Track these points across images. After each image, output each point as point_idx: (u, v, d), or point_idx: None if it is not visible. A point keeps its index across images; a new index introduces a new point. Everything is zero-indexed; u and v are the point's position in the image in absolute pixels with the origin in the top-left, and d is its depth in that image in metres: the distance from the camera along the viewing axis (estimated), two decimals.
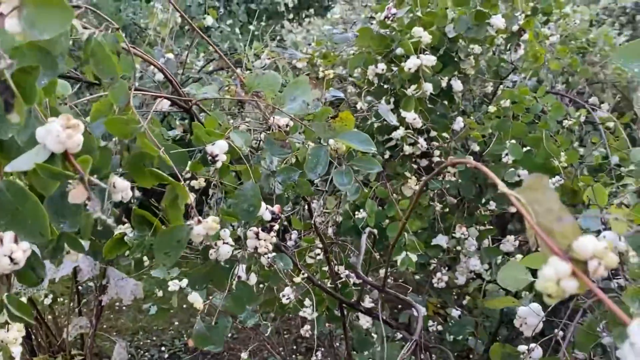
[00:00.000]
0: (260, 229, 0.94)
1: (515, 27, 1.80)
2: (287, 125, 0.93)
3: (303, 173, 0.94)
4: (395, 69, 1.87)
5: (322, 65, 2.27)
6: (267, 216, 0.88)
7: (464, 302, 2.06)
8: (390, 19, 1.73)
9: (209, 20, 2.68)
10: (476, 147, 2.07)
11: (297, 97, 0.94)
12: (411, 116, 1.75)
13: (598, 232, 0.78)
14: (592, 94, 2.27)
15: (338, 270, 1.65)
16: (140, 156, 0.76)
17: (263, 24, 5.28)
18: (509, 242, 1.90)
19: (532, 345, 0.90)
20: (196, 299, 0.97)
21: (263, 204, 0.87)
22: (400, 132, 1.78)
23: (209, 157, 0.87)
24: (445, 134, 1.90)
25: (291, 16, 4.92)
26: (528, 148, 1.72)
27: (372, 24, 2.56)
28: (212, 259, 0.91)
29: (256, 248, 0.94)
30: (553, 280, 0.41)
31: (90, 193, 0.53)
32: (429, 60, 1.71)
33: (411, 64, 1.69)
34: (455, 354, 2.13)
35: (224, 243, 0.91)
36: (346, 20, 3.86)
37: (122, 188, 0.71)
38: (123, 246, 0.92)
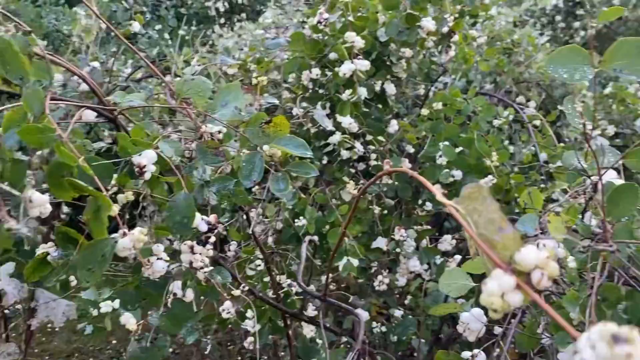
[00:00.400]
0: (195, 242, 0.89)
1: (445, 29, 1.84)
2: (219, 133, 0.89)
3: (239, 182, 0.91)
4: (329, 74, 1.86)
5: (256, 71, 2.23)
6: (203, 227, 0.83)
7: (406, 301, 2.08)
8: (323, 23, 1.73)
9: (136, 26, 2.57)
10: (411, 149, 2.10)
11: (229, 103, 0.90)
12: (347, 121, 1.74)
13: (535, 237, 0.80)
14: (519, 93, 2.37)
15: (280, 280, 1.62)
16: (57, 167, 0.70)
17: (194, 28, 5.16)
18: (447, 242, 1.93)
19: (476, 350, 0.90)
20: (128, 319, 0.91)
21: (198, 215, 0.83)
22: (337, 137, 1.77)
23: (136, 169, 0.82)
24: (381, 138, 1.91)
25: (222, 21, 4.83)
26: (461, 149, 1.76)
27: (304, 28, 2.56)
28: (146, 276, 0.86)
29: (191, 262, 0.89)
30: (497, 295, 0.40)
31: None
32: (363, 64, 1.71)
33: (345, 69, 1.69)
34: (399, 354, 2.15)
35: (157, 259, 0.86)
36: (278, 25, 3.84)
37: (39, 202, 0.65)
38: (46, 267, 0.85)
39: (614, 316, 0.74)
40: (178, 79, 0.95)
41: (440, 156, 1.73)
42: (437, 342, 1.90)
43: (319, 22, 1.73)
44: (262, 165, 0.86)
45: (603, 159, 0.82)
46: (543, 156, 1.88)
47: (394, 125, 1.98)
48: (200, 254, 0.89)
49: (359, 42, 1.73)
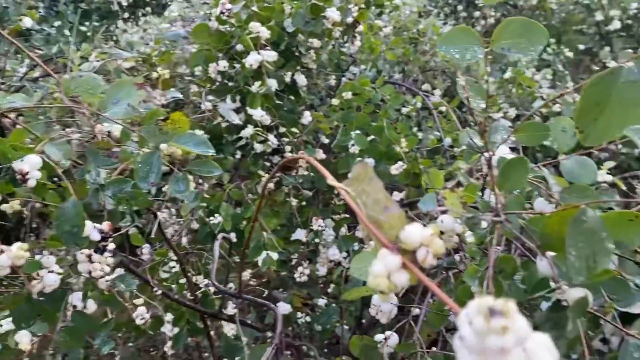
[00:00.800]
0: (93, 250, 0.84)
1: (349, 20, 1.85)
2: (109, 133, 0.83)
3: (136, 183, 0.86)
4: (237, 66, 1.83)
5: (159, 64, 2.15)
6: (95, 236, 0.78)
7: (329, 290, 2.10)
8: (226, 14, 1.68)
9: (27, 22, 2.39)
10: (325, 140, 2.11)
11: (121, 100, 0.85)
12: (258, 113, 1.72)
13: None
14: (425, 81, 2.44)
15: (196, 280, 1.57)
16: None
17: (96, 24, 4.89)
18: None
19: (388, 332, 0.92)
20: (22, 338, 0.84)
21: (89, 223, 0.77)
22: (249, 131, 1.74)
23: (18, 176, 0.75)
24: (294, 129, 1.90)
25: (126, 15, 4.61)
26: (372, 137, 1.78)
27: (210, 20, 2.50)
28: (37, 290, 0.79)
29: (90, 272, 0.84)
30: (383, 276, 0.39)
31: None
32: (270, 55, 1.69)
33: (252, 60, 1.66)
34: (325, 342, 2.17)
35: (48, 272, 0.80)
36: (185, 18, 3.73)
37: None
38: None
39: (511, 287, 0.77)
40: (66, 76, 0.88)
41: (353, 145, 1.75)
42: (359, 327, 1.93)
43: (221, 12, 1.68)
44: (160, 165, 0.82)
45: (496, 136, 0.85)
46: (447, 140, 1.95)
47: (307, 117, 1.98)
48: (99, 262, 0.83)
49: (264, 33, 1.70)
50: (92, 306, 0.89)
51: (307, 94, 2.07)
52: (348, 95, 1.76)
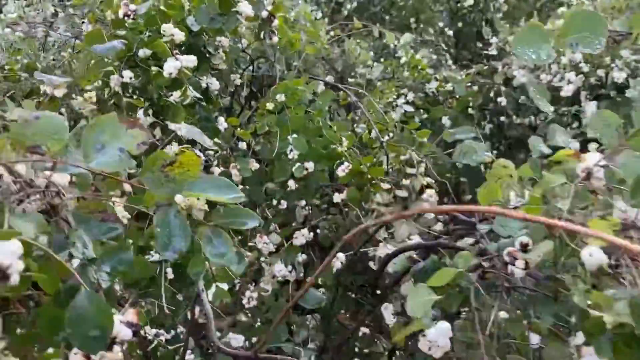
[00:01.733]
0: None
1: (264, 14, 1.69)
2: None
3: (141, 250, 0.65)
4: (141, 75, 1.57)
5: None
6: (127, 333, 0.57)
7: None
8: (131, 16, 1.42)
9: None
10: (244, 146, 1.93)
11: (107, 144, 0.63)
12: (184, 128, 1.49)
13: None
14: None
15: (145, 332, 1.33)
16: None
17: None
18: (301, 236, 1.85)
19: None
20: None
21: (115, 319, 0.56)
22: (174, 149, 1.51)
23: None
24: (217, 139, 1.70)
25: None
26: (306, 139, 1.66)
27: (82, 23, 2.14)
28: None
29: None
30: None
31: None
32: (190, 60, 1.47)
33: (171, 67, 1.43)
34: None
35: None
36: (30, 20, 3.20)
37: None
38: None
39: None
40: (15, 121, 0.62)
41: (292, 150, 1.61)
42: None
43: (125, 15, 1.41)
44: (185, 225, 0.63)
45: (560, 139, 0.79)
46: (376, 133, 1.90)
47: (222, 123, 1.78)
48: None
49: (178, 35, 1.48)
50: None
51: (218, 97, 1.86)
52: (281, 97, 1.61)
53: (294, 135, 1.60)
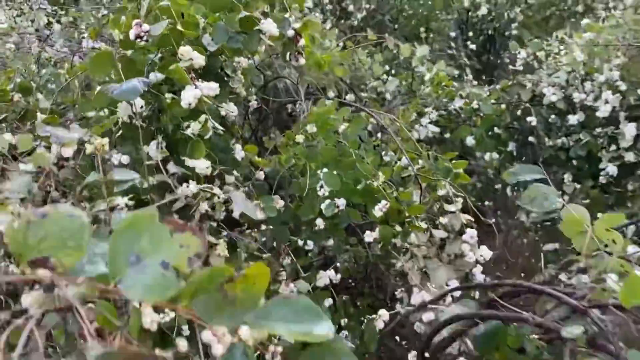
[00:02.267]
0: None
1: (290, 33, 1.50)
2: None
3: None
4: (152, 102, 1.38)
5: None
6: None
7: None
8: (144, 38, 1.23)
9: None
10: (261, 175, 1.74)
11: (145, 256, 0.45)
12: (203, 165, 1.30)
13: None
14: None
15: None
16: None
17: None
18: (325, 277, 1.67)
19: None
20: None
21: None
22: (192, 188, 1.32)
23: None
24: (235, 172, 1.51)
25: None
26: (336, 172, 1.48)
27: (82, 39, 1.96)
28: None
29: None
30: None
31: None
32: (211, 88, 1.28)
33: (190, 97, 1.24)
34: None
35: None
36: (21, 31, 2.99)
37: None
38: None
39: None
40: (14, 225, 0.44)
41: (322, 187, 1.43)
42: None
43: (137, 37, 1.22)
44: None
45: None
46: (406, 161, 1.72)
47: (239, 152, 1.60)
48: None
49: (198, 59, 1.29)
50: None
51: (237, 125, 1.68)
52: (313, 128, 1.42)
53: (325, 170, 1.42)
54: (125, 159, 1.36)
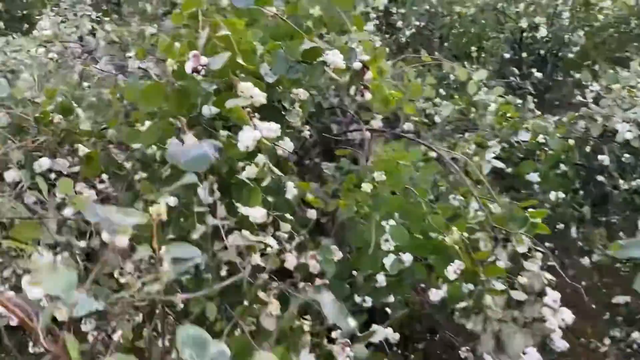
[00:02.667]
0: None
1: (357, 65, 1.35)
2: None
3: None
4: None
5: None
6: None
7: None
8: (202, 72, 1.09)
9: None
10: (313, 214, 1.59)
11: None
12: (259, 214, 1.16)
13: None
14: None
15: None
16: None
17: None
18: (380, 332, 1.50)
19: None
20: None
21: None
22: (239, 240, 1.17)
23: None
24: (289, 216, 1.36)
25: None
26: (402, 223, 1.32)
27: (130, 57, 1.85)
28: None
29: None
30: None
31: None
32: (271, 130, 1.14)
33: (249, 139, 1.10)
34: None
35: None
36: (64, 39, 2.92)
37: None
38: None
39: None
40: None
41: (387, 240, 1.27)
42: None
43: (195, 71, 1.08)
44: None
45: None
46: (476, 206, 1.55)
47: (291, 189, 1.45)
48: None
49: (259, 97, 1.15)
50: None
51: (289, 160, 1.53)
52: (381, 176, 1.26)
53: (392, 223, 1.25)
54: (172, 202, 1.22)
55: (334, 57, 1.31)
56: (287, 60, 1.37)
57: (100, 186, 1.33)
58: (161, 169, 1.29)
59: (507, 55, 3.77)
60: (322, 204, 1.55)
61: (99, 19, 3.47)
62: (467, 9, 4.06)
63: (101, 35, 2.47)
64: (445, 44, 4.10)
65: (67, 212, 1.13)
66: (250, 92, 1.12)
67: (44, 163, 1.60)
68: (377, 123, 1.84)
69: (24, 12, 3.83)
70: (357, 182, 1.32)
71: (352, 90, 1.37)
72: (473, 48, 3.93)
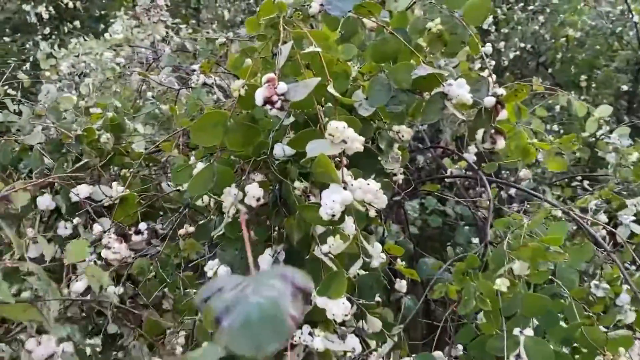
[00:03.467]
0: None
1: (490, 101, 0.97)
2: None
3: None
4: (273, 189, 0.91)
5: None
6: None
7: None
8: (278, 104, 0.75)
9: None
10: (403, 287, 1.23)
11: None
12: (341, 310, 0.80)
13: None
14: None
15: None
16: None
17: (7, 39, 3.73)
18: None
19: None
20: None
21: None
22: (318, 343, 0.82)
23: None
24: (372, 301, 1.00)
25: (47, 30, 3.46)
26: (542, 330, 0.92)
27: (194, 71, 1.56)
28: None
29: None
30: None
31: None
32: (369, 192, 0.79)
33: (335, 205, 0.75)
34: None
35: None
36: (133, 43, 2.72)
37: None
38: None
39: None
40: None
41: (518, 356, 0.88)
42: None
43: (268, 102, 0.75)
44: None
45: None
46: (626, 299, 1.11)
47: (378, 257, 1.08)
48: None
49: (355, 142, 0.80)
50: None
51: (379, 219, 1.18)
52: (518, 267, 0.87)
53: (529, 333, 0.86)
54: (223, 271, 0.90)
55: (459, 90, 0.94)
56: (390, 87, 1.02)
57: (135, 238, 1.02)
58: (214, 222, 0.97)
59: (624, 87, 3.24)
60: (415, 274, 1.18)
61: (174, 25, 3.27)
62: (576, 32, 3.57)
63: (171, 42, 2.23)
64: (549, 70, 3.61)
65: (78, 286, 0.84)
66: (344, 136, 0.77)
67: (82, 191, 1.34)
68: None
69: (102, 11, 3.72)
70: (474, 265, 0.94)
71: (479, 135, 0.99)
72: (582, 77, 3.43)
